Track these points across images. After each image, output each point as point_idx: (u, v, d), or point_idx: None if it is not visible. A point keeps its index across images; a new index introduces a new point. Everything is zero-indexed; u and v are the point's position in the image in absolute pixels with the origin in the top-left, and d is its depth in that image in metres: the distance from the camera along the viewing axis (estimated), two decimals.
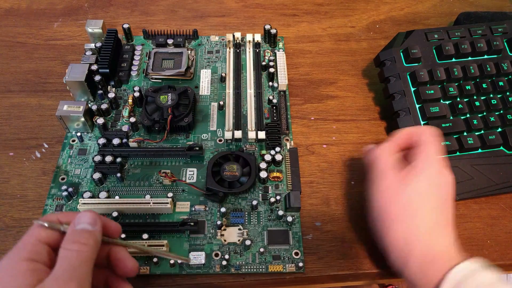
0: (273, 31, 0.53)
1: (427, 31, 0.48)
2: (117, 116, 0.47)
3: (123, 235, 0.39)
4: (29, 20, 0.58)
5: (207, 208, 0.41)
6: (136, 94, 0.47)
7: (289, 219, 0.40)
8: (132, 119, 0.45)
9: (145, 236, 0.38)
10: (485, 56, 0.48)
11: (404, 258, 0.35)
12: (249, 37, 0.54)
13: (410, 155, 0.38)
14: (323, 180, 0.44)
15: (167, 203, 0.40)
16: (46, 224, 0.30)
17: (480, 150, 0.44)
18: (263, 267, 0.38)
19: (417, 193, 0.35)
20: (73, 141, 0.45)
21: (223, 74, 0.51)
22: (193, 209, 0.41)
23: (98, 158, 0.42)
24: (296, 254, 0.39)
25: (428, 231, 0.35)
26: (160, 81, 0.51)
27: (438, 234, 0.35)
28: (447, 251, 0.34)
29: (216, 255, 0.39)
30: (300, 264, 0.38)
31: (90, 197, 0.41)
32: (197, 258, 0.38)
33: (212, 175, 0.42)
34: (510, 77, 0.47)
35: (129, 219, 0.41)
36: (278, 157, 0.43)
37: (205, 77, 0.51)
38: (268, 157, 0.43)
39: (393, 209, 0.36)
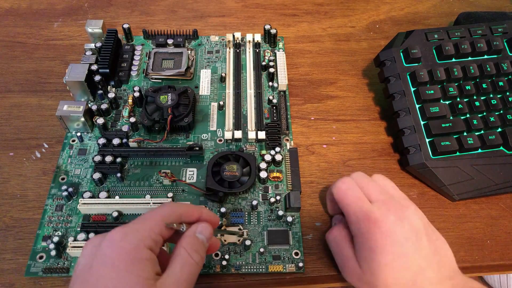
0: (273, 31, 0.53)
1: (427, 31, 0.48)
2: (117, 116, 0.47)
3: None
4: (29, 20, 0.58)
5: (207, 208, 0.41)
6: (136, 94, 0.47)
7: (289, 219, 0.40)
8: (132, 119, 0.45)
9: None
10: (485, 56, 0.48)
11: None
12: (249, 37, 0.54)
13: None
14: (323, 180, 0.44)
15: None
16: (174, 226, 0.29)
17: (480, 150, 0.44)
18: (263, 267, 0.38)
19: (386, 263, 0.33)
20: (73, 141, 0.45)
21: (223, 74, 0.51)
22: None
23: (98, 158, 0.42)
24: (296, 254, 0.39)
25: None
26: (160, 81, 0.51)
27: None
28: None
29: (216, 255, 0.39)
30: (300, 264, 0.38)
31: (90, 197, 0.41)
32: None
33: (212, 175, 0.42)
34: (510, 77, 0.47)
35: (129, 219, 0.41)
36: (278, 157, 0.43)
37: (205, 77, 0.51)
38: (268, 157, 0.43)
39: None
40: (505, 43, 0.48)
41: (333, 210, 0.40)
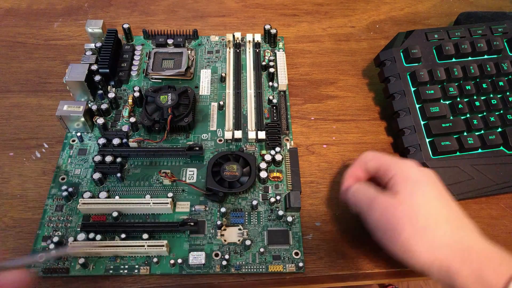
0: (273, 31, 0.53)
1: (427, 31, 0.48)
2: (117, 116, 0.47)
3: (122, 235, 0.39)
4: (29, 20, 0.58)
5: (207, 208, 0.41)
6: (136, 94, 0.47)
7: (289, 219, 0.40)
8: (132, 119, 0.45)
9: (145, 236, 0.39)
10: (485, 56, 0.48)
11: (445, 269, 0.31)
12: (249, 37, 0.54)
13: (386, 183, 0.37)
14: (323, 180, 0.44)
15: (167, 203, 0.40)
16: None
17: (480, 150, 0.44)
18: (263, 267, 0.38)
19: (421, 200, 0.34)
20: (73, 141, 0.45)
21: (223, 74, 0.51)
22: (193, 209, 0.41)
23: (98, 158, 0.42)
24: (296, 254, 0.39)
25: (456, 231, 0.32)
26: (160, 81, 0.51)
27: (465, 230, 0.33)
28: (490, 249, 0.31)
29: (216, 255, 0.39)
30: (300, 264, 0.38)
31: (90, 197, 0.41)
32: (197, 258, 0.38)
33: (212, 175, 0.42)
34: (510, 77, 0.47)
35: (129, 219, 0.41)
36: (278, 157, 0.43)
37: (205, 77, 0.51)
38: (268, 157, 0.43)
39: (402, 226, 0.33)
40: (505, 43, 0.48)
41: (356, 178, 0.40)
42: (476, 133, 0.44)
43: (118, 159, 0.43)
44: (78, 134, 0.45)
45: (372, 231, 0.35)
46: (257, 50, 0.53)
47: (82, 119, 0.44)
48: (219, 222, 0.40)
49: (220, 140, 0.46)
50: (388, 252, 0.34)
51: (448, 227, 0.33)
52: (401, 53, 0.47)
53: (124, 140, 0.44)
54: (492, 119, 0.45)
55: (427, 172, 0.36)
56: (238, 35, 0.53)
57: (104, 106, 0.46)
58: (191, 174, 0.44)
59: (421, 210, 0.33)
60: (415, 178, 0.35)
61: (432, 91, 0.45)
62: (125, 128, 0.46)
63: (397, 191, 0.34)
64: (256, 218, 0.41)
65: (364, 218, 0.36)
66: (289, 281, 0.39)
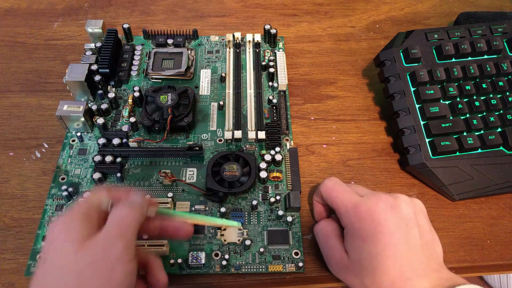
0: (273, 31, 0.53)
1: (427, 31, 0.48)
2: (117, 116, 0.47)
3: None
4: (29, 20, 0.58)
5: (207, 208, 0.41)
6: (136, 94, 0.47)
7: (289, 219, 0.40)
8: (132, 119, 0.45)
9: (145, 236, 0.38)
10: (485, 56, 0.48)
11: None
12: (249, 37, 0.54)
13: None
14: (323, 180, 0.44)
15: (167, 203, 0.40)
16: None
17: (480, 150, 0.44)
18: (263, 267, 0.38)
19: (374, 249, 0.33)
20: (73, 141, 0.45)
21: (223, 74, 0.51)
22: (193, 209, 0.41)
23: (98, 158, 0.42)
24: (296, 254, 0.39)
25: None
26: (160, 81, 0.51)
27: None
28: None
29: (216, 255, 0.39)
30: (300, 264, 0.38)
31: None
32: (197, 258, 0.38)
33: (212, 175, 0.42)
34: (510, 77, 0.47)
35: None
36: (278, 157, 0.43)
37: (205, 77, 0.51)
38: (268, 157, 0.43)
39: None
40: (505, 43, 0.48)
41: (320, 214, 0.40)
42: (476, 133, 0.45)
43: (118, 159, 0.43)
44: (78, 134, 0.45)
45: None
46: (257, 50, 0.53)
47: (82, 119, 0.44)
48: None
49: (220, 140, 0.46)
50: None
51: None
52: (401, 53, 0.48)
53: (124, 140, 0.44)
54: (492, 119, 0.45)
55: (377, 220, 0.33)
56: (238, 35, 0.53)
57: (104, 106, 0.46)
58: (191, 174, 0.44)
59: (362, 272, 0.33)
60: (361, 237, 0.33)
61: (432, 91, 0.45)
62: (125, 128, 0.46)
63: (347, 250, 0.35)
64: (256, 218, 0.41)
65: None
66: (289, 281, 0.39)
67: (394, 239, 0.32)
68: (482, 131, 0.45)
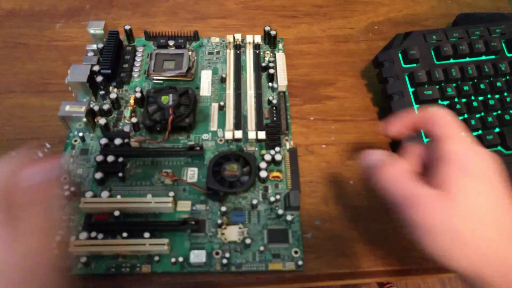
0: (273, 32, 0.53)
1: (426, 32, 0.49)
2: (118, 117, 0.48)
3: (124, 234, 0.39)
4: (31, 21, 0.58)
5: (207, 207, 0.42)
6: (138, 94, 0.47)
7: (289, 218, 0.40)
8: (134, 120, 0.46)
9: (146, 235, 0.39)
10: (483, 57, 0.48)
11: (481, 282, 0.28)
12: (249, 38, 0.54)
13: (431, 149, 0.31)
14: (322, 180, 0.45)
15: (169, 202, 0.40)
16: None
17: None
18: (263, 265, 0.39)
19: (475, 204, 0.28)
20: (75, 141, 0.46)
21: (224, 75, 0.51)
22: (194, 208, 0.42)
23: (100, 158, 0.43)
24: (296, 252, 0.39)
25: (505, 243, 0.28)
26: (161, 82, 0.51)
27: None
28: None
29: (217, 253, 0.39)
30: (300, 263, 0.39)
31: (92, 197, 0.41)
32: (198, 256, 0.39)
33: (213, 175, 0.42)
34: (507, 77, 0.47)
35: (130, 218, 0.41)
36: (278, 157, 0.43)
37: (205, 78, 0.52)
38: (268, 157, 0.44)
39: (448, 231, 0.28)
40: (503, 44, 0.49)
41: (401, 126, 0.34)
42: (474, 134, 0.45)
43: (120, 159, 0.43)
44: (80, 134, 0.46)
45: (407, 227, 0.29)
46: (257, 51, 0.53)
47: (84, 119, 0.44)
48: (219, 221, 0.40)
49: (221, 140, 0.47)
50: (421, 249, 0.30)
51: (497, 239, 0.28)
52: (400, 54, 0.48)
53: (126, 140, 0.44)
54: (489, 119, 0.45)
55: (490, 165, 0.30)
56: (238, 36, 0.54)
57: (106, 107, 0.47)
58: (192, 174, 0.44)
59: (473, 218, 0.28)
60: (473, 172, 0.29)
61: (430, 92, 0.46)
62: (126, 128, 0.46)
63: (446, 187, 0.28)
64: (256, 217, 0.41)
65: (396, 210, 0.30)
66: (288, 279, 0.39)
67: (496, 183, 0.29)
68: (480, 132, 0.45)
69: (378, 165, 0.31)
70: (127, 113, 0.48)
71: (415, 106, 0.46)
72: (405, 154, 0.33)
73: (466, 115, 0.46)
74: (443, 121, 0.31)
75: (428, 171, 0.31)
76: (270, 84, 0.51)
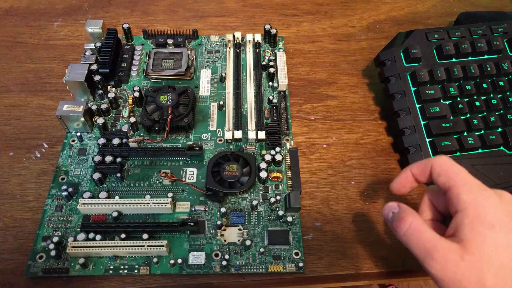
0: (273, 31, 0.53)
1: (428, 31, 0.48)
2: (117, 116, 0.47)
3: (122, 235, 0.38)
4: (29, 20, 0.58)
5: (207, 208, 0.41)
6: (136, 94, 0.47)
7: (289, 219, 0.40)
8: (132, 119, 0.45)
9: (145, 236, 0.38)
10: (485, 56, 0.48)
11: None
12: (249, 37, 0.54)
13: (446, 201, 0.31)
14: (323, 180, 0.44)
15: (167, 203, 0.40)
16: None
17: (480, 150, 0.44)
18: (263, 267, 0.38)
19: (493, 253, 0.27)
20: (73, 141, 0.45)
21: (223, 74, 0.50)
22: (193, 209, 0.41)
23: (98, 158, 0.42)
24: (296, 254, 0.39)
25: None
26: (160, 81, 0.50)
27: None
28: None
29: (216, 255, 0.39)
30: (300, 264, 0.38)
31: (90, 197, 0.41)
32: (197, 258, 0.38)
33: (212, 175, 0.42)
34: (510, 77, 0.47)
35: (129, 219, 0.40)
36: (278, 157, 0.43)
37: (205, 77, 0.51)
38: (268, 157, 0.43)
39: (467, 284, 0.27)
40: (505, 43, 0.48)
41: (404, 184, 0.34)
42: (476, 133, 0.44)
43: (118, 159, 0.43)
44: (78, 134, 0.45)
45: (433, 278, 0.29)
46: (257, 50, 0.53)
47: (82, 119, 0.44)
48: (219, 222, 0.40)
49: (220, 140, 0.46)
50: None
51: None
52: (401, 53, 0.47)
53: (124, 140, 0.44)
54: (492, 119, 0.45)
55: (504, 210, 0.29)
56: (238, 35, 0.53)
57: (104, 106, 0.46)
58: (191, 174, 0.43)
59: (491, 267, 0.27)
60: (490, 222, 0.28)
61: (432, 91, 0.45)
62: (125, 128, 0.46)
63: (462, 238, 0.28)
64: (256, 218, 0.41)
65: (421, 264, 0.30)
66: (289, 281, 0.39)
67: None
68: (482, 131, 0.45)
69: (396, 219, 0.31)
70: (125, 112, 0.47)
71: (417, 106, 0.45)
72: (423, 203, 0.34)
73: (468, 115, 0.45)
74: (446, 170, 0.31)
75: (446, 219, 0.31)
76: (270, 83, 0.50)
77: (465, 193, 0.29)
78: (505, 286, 0.27)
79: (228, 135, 0.45)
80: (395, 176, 0.45)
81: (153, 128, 0.45)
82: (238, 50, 0.53)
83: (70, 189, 0.41)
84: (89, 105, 0.46)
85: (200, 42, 0.55)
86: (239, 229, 0.40)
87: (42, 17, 0.58)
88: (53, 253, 0.37)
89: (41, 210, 0.41)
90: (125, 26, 0.52)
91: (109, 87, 0.49)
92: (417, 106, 0.45)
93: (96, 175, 0.41)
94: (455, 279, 0.27)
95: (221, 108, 0.48)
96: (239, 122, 0.47)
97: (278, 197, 0.41)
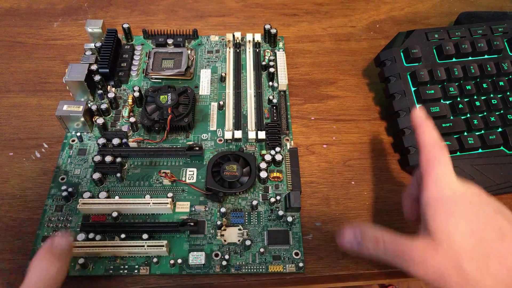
0: (273, 31, 0.53)
1: (428, 31, 0.48)
2: (116, 116, 0.47)
3: (122, 235, 0.38)
4: (29, 20, 0.58)
5: (207, 208, 0.41)
6: (136, 94, 0.47)
7: (289, 219, 0.40)
8: (132, 119, 0.45)
9: (145, 236, 0.38)
10: (486, 56, 0.48)
11: None
12: (249, 37, 0.54)
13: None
14: (323, 180, 0.44)
15: (167, 203, 0.40)
16: None
17: (480, 150, 0.44)
18: (263, 267, 0.38)
19: (459, 237, 0.28)
20: (73, 141, 0.45)
21: (223, 74, 0.50)
22: (193, 209, 0.41)
23: (97, 158, 0.42)
24: (296, 254, 0.39)
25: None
26: (160, 81, 0.50)
27: None
28: None
29: (216, 255, 0.39)
30: (300, 264, 0.38)
31: (89, 197, 0.40)
32: (197, 258, 0.38)
33: (212, 175, 0.42)
34: (510, 77, 0.47)
35: (129, 219, 0.40)
36: (278, 157, 0.43)
37: (205, 77, 0.51)
38: (268, 157, 0.43)
39: (449, 278, 0.28)
40: (505, 43, 0.48)
41: (412, 212, 0.34)
42: (477, 133, 0.44)
43: (118, 159, 0.43)
44: (78, 134, 0.45)
45: (422, 280, 0.29)
46: (257, 50, 0.53)
47: (82, 119, 0.44)
48: (219, 222, 0.40)
49: (220, 140, 0.46)
50: None
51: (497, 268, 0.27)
52: (402, 53, 0.47)
53: (124, 140, 0.44)
54: (492, 119, 0.45)
55: (471, 201, 0.29)
56: (238, 35, 0.53)
57: (103, 106, 0.46)
58: (191, 174, 0.43)
59: (464, 252, 0.27)
60: (450, 210, 0.29)
61: (433, 91, 0.45)
62: (124, 128, 0.46)
63: (430, 229, 0.29)
64: (256, 218, 0.41)
65: (406, 272, 0.29)
66: (289, 282, 0.39)
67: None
68: (482, 131, 0.45)
69: (369, 241, 0.31)
70: (125, 112, 0.47)
71: (417, 106, 0.45)
72: (411, 184, 0.35)
73: (468, 115, 0.45)
74: (425, 168, 0.32)
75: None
76: (270, 83, 0.50)
77: (430, 185, 0.30)
78: (483, 269, 0.27)
79: (228, 135, 0.45)
80: (395, 176, 0.45)
81: (153, 128, 0.45)
82: (238, 50, 0.53)
83: (70, 189, 0.41)
84: (89, 105, 0.46)
85: (200, 42, 0.55)
86: (239, 229, 0.40)
87: (42, 17, 0.58)
88: None
89: (41, 210, 0.41)
90: (125, 26, 0.52)
91: (109, 87, 0.49)
92: (417, 106, 0.45)
93: (96, 175, 0.41)
94: (437, 273, 0.28)
95: (221, 108, 0.48)
96: (239, 122, 0.47)
97: (278, 197, 0.41)
